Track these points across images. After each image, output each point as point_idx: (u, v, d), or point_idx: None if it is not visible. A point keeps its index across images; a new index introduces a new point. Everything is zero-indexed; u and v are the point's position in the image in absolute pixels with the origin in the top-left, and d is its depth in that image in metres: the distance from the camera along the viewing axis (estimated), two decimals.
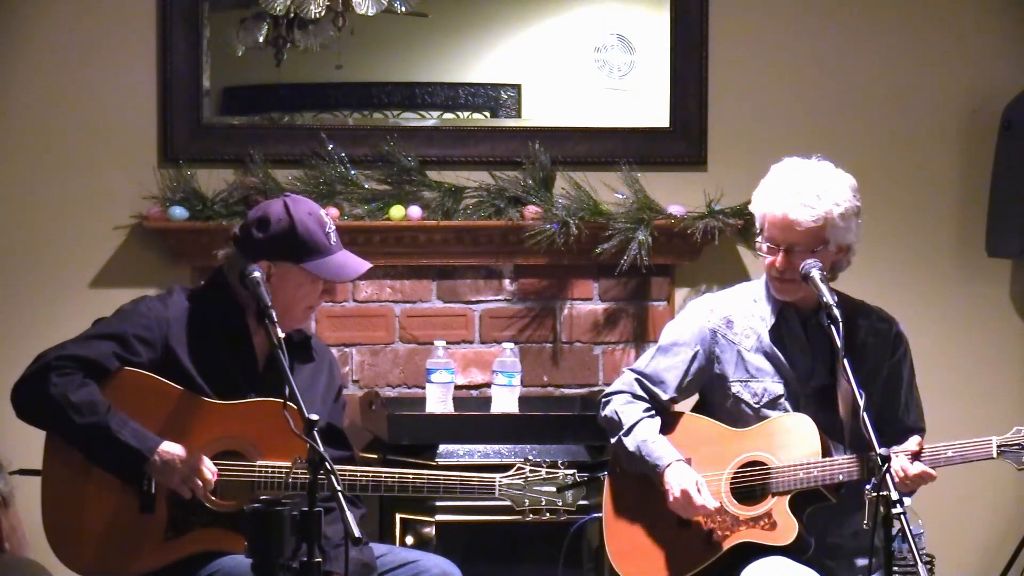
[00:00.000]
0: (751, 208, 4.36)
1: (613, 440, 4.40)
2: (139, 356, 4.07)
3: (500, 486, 4.14)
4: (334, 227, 4.17)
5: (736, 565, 4.22)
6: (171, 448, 4.01)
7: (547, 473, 4.14)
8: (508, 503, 4.16)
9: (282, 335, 3.88)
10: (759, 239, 4.32)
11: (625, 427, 4.36)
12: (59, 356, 4.03)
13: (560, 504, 4.14)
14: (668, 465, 4.27)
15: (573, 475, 4.15)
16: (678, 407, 4.49)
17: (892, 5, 5.73)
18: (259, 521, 3.58)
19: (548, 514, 4.15)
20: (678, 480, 4.25)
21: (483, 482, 4.16)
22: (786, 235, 4.24)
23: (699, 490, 4.22)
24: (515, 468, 4.15)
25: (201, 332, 4.13)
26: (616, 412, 4.39)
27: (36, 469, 4.11)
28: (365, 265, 4.20)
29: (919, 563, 3.79)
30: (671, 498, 4.24)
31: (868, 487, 3.87)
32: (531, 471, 4.14)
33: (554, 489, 4.14)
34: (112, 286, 5.40)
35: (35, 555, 4.24)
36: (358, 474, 4.10)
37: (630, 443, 4.34)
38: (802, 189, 4.24)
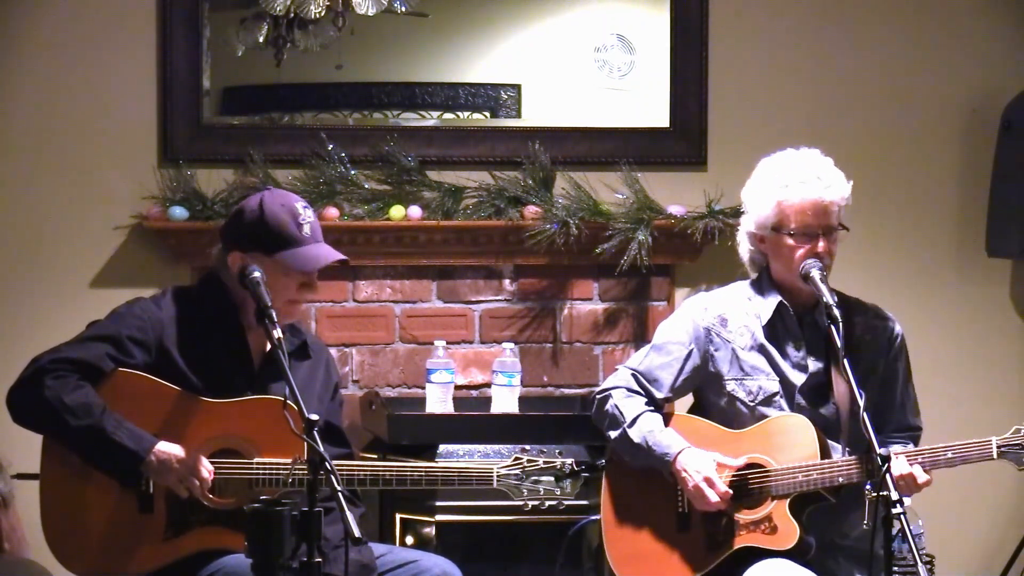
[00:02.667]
0: (753, 202, 4.34)
1: (615, 434, 4.36)
2: (133, 357, 4.07)
3: (498, 476, 4.14)
4: (311, 220, 4.13)
5: (736, 568, 4.21)
6: (167, 448, 4.01)
7: (545, 463, 4.14)
8: (507, 496, 4.15)
9: (281, 335, 3.88)
10: (781, 233, 4.29)
11: (628, 419, 4.34)
12: (53, 359, 4.02)
13: (559, 493, 4.13)
14: (680, 451, 4.26)
15: (571, 464, 4.14)
16: (674, 407, 4.48)
17: (892, 5, 5.73)
18: (259, 521, 3.58)
19: (547, 504, 4.14)
20: (695, 465, 4.23)
21: (481, 473, 4.15)
22: (821, 219, 4.25)
23: (714, 484, 4.20)
24: (513, 459, 4.15)
25: (196, 332, 4.13)
26: (616, 406, 4.38)
27: (34, 473, 4.10)
28: (334, 255, 4.15)
29: (919, 563, 3.79)
30: (690, 485, 4.22)
31: (868, 487, 3.87)
32: (528, 461, 4.14)
33: (552, 479, 4.13)
34: (112, 286, 5.40)
35: (35, 556, 4.24)
36: (355, 468, 4.10)
37: (635, 434, 4.32)
38: (819, 172, 4.28)
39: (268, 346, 4.14)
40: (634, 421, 4.34)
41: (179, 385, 4.07)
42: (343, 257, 4.17)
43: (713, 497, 4.20)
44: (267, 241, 4.09)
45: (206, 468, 4.01)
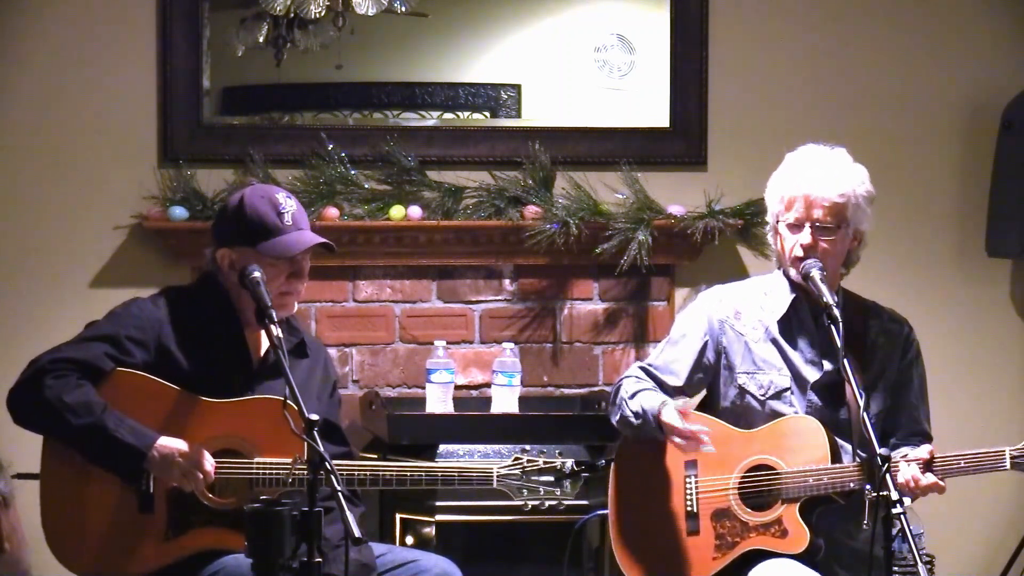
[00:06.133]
0: (767, 195, 4.36)
1: (618, 416, 4.36)
2: (132, 357, 4.07)
3: (498, 476, 4.14)
4: (294, 209, 4.13)
5: (742, 567, 4.21)
6: (169, 442, 4.01)
7: (544, 463, 4.14)
8: (507, 496, 4.14)
9: (281, 334, 3.88)
10: (778, 224, 4.30)
11: (630, 393, 4.35)
12: (52, 359, 4.03)
13: (559, 494, 4.13)
14: (663, 403, 4.26)
15: (571, 465, 4.14)
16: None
17: (892, 5, 5.73)
18: (259, 521, 3.58)
19: (547, 504, 4.14)
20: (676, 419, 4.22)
21: (481, 473, 4.15)
22: (811, 212, 4.25)
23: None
24: (513, 459, 4.15)
25: (194, 331, 4.13)
26: (621, 386, 4.39)
27: (34, 473, 4.10)
28: (314, 239, 4.14)
29: (919, 563, 3.78)
30: (676, 441, 4.21)
31: (868, 488, 3.86)
32: (528, 461, 4.14)
33: (552, 479, 4.13)
34: (112, 286, 5.40)
35: (35, 556, 4.23)
36: (355, 468, 4.10)
37: (635, 404, 4.32)
38: (826, 167, 4.28)
39: (266, 345, 4.15)
40: (635, 394, 4.34)
41: (178, 384, 4.07)
42: (324, 240, 4.16)
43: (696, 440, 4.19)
44: (249, 233, 4.09)
45: (208, 462, 4.01)
